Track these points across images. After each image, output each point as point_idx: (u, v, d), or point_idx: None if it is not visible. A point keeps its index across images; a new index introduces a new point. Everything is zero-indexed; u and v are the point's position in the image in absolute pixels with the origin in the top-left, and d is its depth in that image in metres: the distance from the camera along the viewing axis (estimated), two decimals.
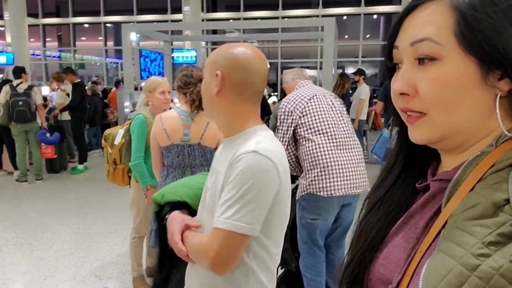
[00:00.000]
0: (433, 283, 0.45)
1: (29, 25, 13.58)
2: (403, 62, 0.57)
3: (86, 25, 16.90)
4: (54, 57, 17.27)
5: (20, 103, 5.82)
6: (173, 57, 9.00)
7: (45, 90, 9.81)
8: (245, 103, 1.18)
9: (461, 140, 0.56)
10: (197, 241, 1.16)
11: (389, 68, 0.63)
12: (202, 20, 14.47)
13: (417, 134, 0.58)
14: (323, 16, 13.62)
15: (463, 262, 0.44)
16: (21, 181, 6.02)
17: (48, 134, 6.14)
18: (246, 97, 1.17)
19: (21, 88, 5.94)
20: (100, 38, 16.45)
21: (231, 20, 14.59)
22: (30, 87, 6.06)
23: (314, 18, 13.64)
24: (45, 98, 7.55)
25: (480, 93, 0.53)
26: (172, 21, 14.88)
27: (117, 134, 2.98)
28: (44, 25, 16.34)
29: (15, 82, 6.01)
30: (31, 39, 15.26)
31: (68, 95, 6.80)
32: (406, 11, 0.57)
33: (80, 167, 6.84)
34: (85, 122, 7.28)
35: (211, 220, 1.13)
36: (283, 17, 14.44)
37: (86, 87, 7.61)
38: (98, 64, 17.84)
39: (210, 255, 1.08)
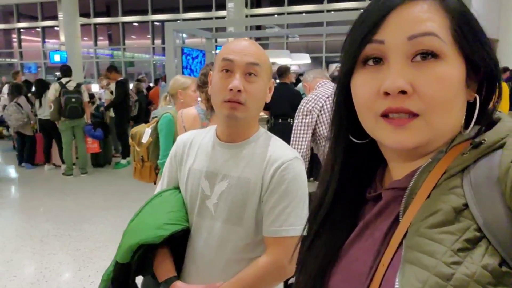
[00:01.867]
0: None
1: (81, 25, 14.29)
2: (390, 59, 0.53)
3: (135, 24, 17.47)
4: (105, 55, 18.02)
5: (73, 100, 6.10)
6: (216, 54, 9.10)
7: (95, 88, 10.28)
8: None
9: (438, 144, 0.54)
10: (254, 270, 1.14)
11: (350, 66, 0.58)
12: (246, 16, 14.53)
13: (406, 138, 0.52)
14: None
15: (437, 272, 0.43)
16: (67, 175, 6.34)
17: (93, 130, 6.46)
18: None
19: (71, 86, 6.23)
20: (148, 36, 16.96)
21: (275, 15, 14.54)
22: (78, 85, 6.36)
23: (361, 11, 13.29)
24: (92, 95, 7.89)
25: (463, 97, 0.54)
26: (217, 18, 15.07)
27: (144, 132, 3.05)
28: (96, 25, 17.08)
29: (64, 80, 6.31)
30: (84, 38, 16.05)
31: (111, 92, 7.08)
32: (392, 6, 0.54)
33: (123, 161, 7.10)
34: (129, 119, 7.53)
35: (234, 229, 1.15)
36: (328, 11, 14.19)
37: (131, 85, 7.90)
38: (146, 62, 18.43)
39: (286, 265, 1.11)
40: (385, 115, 0.53)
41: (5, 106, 7.58)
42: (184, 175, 1.25)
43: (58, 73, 12.68)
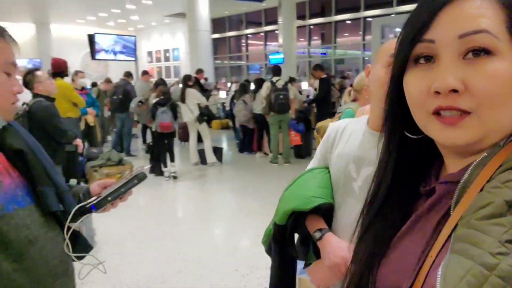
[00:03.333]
0: (452, 284, 0.44)
1: (297, 27, 15.52)
2: (441, 58, 0.53)
3: (348, 22, 17.82)
4: (318, 54, 19.04)
5: (281, 96, 6.90)
6: None
7: (304, 85, 11.12)
8: None
9: (494, 140, 0.54)
10: None
11: (401, 65, 0.59)
12: None
13: (458, 135, 0.53)
14: None
15: (482, 262, 0.43)
16: (273, 163, 7.19)
17: (296, 124, 7.14)
18: None
19: (280, 84, 7.04)
20: (360, 33, 17.10)
21: None
22: (286, 83, 7.12)
23: None
24: (300, 93, 8.63)
25: None
26: None
27: (328, 127, 3.29)
28: (310, 26, 18.21)
29: (274, 79, 7.15)
30: (300, 39, 17.38)
31: (315, 89, 7.61)
32: (442, 3, 0.54)
33: None
34: (330, 114, 7.94)
35: None
36: None
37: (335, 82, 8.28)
38: (357, 58, 18.65)
39: None
40: (436, 113, 0.54)
41: (232, 102, 9.07)
42: (334, 157, 1.38)
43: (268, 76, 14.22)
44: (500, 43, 0.50)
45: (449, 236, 0.51)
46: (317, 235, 1.30)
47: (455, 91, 0.51)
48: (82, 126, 6.13)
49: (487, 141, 0.54)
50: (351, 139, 1.35)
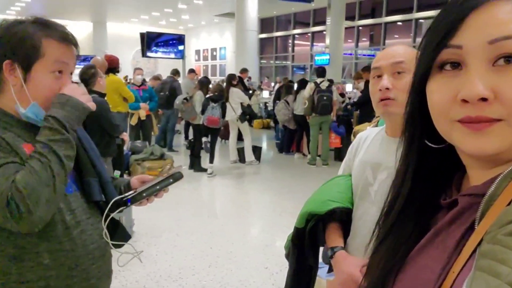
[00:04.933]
0: None
1: (345, 28, 15.31)
2: (468, 64, 0.50)
3: (399, 23, 17.35)
4: (365, 55, 18.68)
5: (325, 98, 6.89)
6: None
7: (349, 87, 10.98)
8: None
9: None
10: None
11: (425, 72, 0.56)
12: None
13: (486, 143, 0.50)
14: None
15: (509, 281, 0.40)
16: (310, 164, 7.19)
17: (337, 127, 7.10)
18: None
19: (324, 85, 7.01)
20: (411, 34, 16.60)
21: None
22: (330, 85, 7.08)
23: None
24: (342, 95, 8.53)
25: None
26: None
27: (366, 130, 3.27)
28: (359, 27, 17.89)
29: (318, 80, 7.12)
30: (348, 40, 17.13)
31: (361, 92, 7.49)
32: (470, 8, 0.51)
33: None
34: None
35: None
36: None
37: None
38: None
39: None
40: (461, 121, 0.51)
41: (274, 101, 9.12)
42: (355, 164, 1.44)
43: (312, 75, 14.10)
44: None
45: (473, 251, 0.49)
46: (329, 253, 1.35)
47: (484, 99, 0.48)
48: (135, 120, 6.49)
49: None
50: (371, 146, 1.41)
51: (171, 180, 1.26)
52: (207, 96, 6.58)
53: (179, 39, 15.17)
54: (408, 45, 1.60)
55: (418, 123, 0.61)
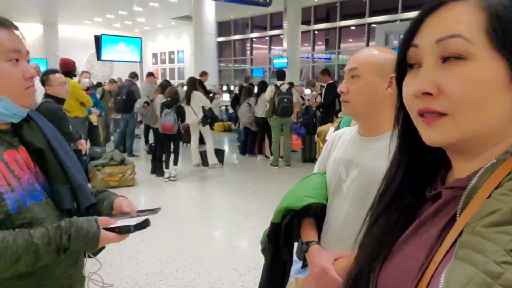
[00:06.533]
0: None
1: (302, 32, 15.59)
2: (423, 62, 0.56)
3: (353, 28, 17.88)
4: (321, 59, 19.12)
5: (285, 100, 6.98)
6: None
7: (307, 90, 11.18)
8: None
9: (477, 143, 0.55)
10: None
11: (399, 69, 0.62)
12: None
13: (435, 135, 0.55)
14: None
15: (486, 270, 0.42)
16: (273, 165, 7.26)
17: (298, 128, 7.22)
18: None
19: (284, 88, 7.10)
20: (364, 39, 17.15)
21: None
22: (290, 87, 7.19)
23: None
24: (302, 97, 8.68)
25: (505, 96, 0.52)
26: None
27: (328, 131, 3.37)
28: (314, 31, 18.28)
29: (278, 83, 7.21)
30: (305, 44, 17.46)
31: (320, 94, 7.67)
32: (428, 9, 0.56)
33: None
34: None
35: (358, 210, 1.32)
36: None
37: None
38: None
39: None
40: (421, 114, 0.56)
41: (235, 104, 9.13)
42: (329, 162, 1.50)
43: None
44: (473, 47, 0.51)
45: (454, 242, 0.51)
46: (304, 248, 1.40)
47: (430, 94, 0.53)
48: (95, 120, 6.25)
49: (486, 144, 0.55)
50: (344, 145, 1.47)
51: (143, 225, 1.21)
52: (162, 101, 6.35)
53: (136, 42, 14.87)
54: (362, 48, 1.70)
55: (404, 117, 0.65)
